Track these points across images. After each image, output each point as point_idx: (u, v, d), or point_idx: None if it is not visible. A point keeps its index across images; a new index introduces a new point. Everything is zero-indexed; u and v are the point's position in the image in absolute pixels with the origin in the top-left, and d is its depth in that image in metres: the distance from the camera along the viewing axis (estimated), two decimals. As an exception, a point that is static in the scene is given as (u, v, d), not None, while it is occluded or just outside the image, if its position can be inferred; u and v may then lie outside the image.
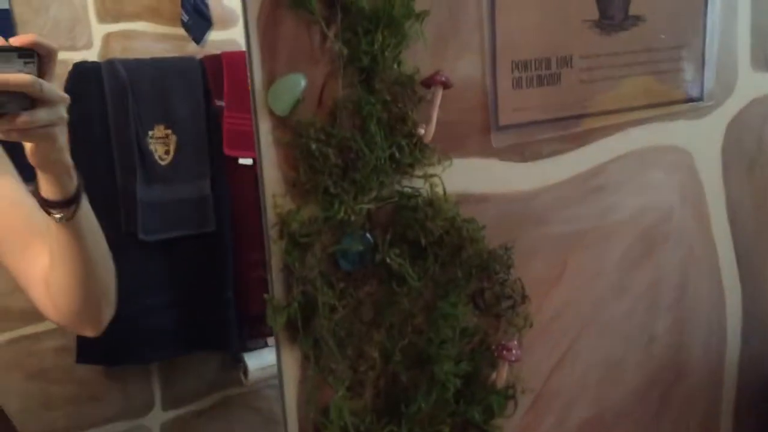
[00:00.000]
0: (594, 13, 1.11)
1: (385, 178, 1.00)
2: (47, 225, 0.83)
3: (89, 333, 0.93)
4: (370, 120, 0.98)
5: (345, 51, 0.96)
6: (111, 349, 1.88)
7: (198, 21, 1.97)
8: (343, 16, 0.96)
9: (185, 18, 1.95)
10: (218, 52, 1.98)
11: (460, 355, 1.05)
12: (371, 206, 0.99)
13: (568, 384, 1.24)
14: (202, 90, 1.95)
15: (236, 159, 1.98)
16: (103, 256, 0.89)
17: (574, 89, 1.11)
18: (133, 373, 2.02)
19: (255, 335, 2.09)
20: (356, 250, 0.99)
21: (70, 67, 1.84)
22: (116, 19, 1.93)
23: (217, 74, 1.96)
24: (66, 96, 0.72)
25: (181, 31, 1.97)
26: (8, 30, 1.77)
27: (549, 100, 1.09)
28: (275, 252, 0.98)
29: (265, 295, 0.99)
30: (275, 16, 0.94)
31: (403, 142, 1.00)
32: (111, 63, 1.87)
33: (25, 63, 0.66)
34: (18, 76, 0.65)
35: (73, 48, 1.89)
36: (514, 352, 1.04)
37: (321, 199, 0.97)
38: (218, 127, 1.96)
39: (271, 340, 2.16)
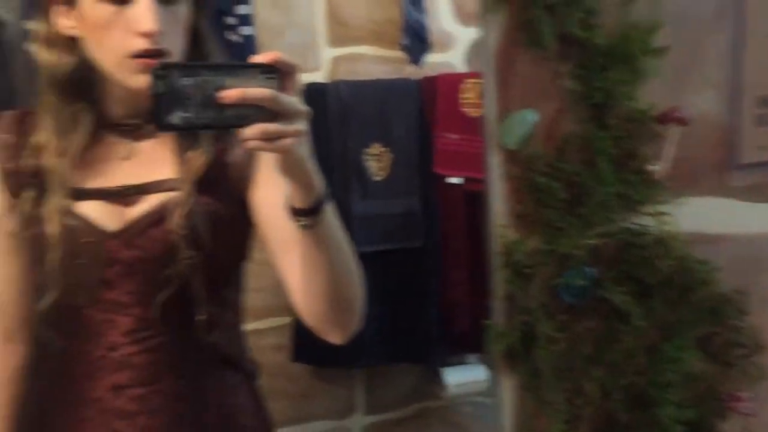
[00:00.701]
0: None
1: (612, 214, 0.99)
2: None
3: (335, 339, 0.95)
4: (600, 155, 0.98)
5: (577, 87, 0.97)
6: (323, 352, 2.01)
7: (416, 44, 2.05)
8: (577, 53, 0.97)
9: (405, 41, 2.04)
10: (434, 74, 2.06)
11: (685, 401, 1.01)
12: (596, 241, 0.98)
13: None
14: (418, 110, 2.04)
15: (445, 177, 2.05)
16: (348, 267, 0.90)
17: (828, 127, 1.03)
18: (340, 377, 2.15)
19: (456, 351, 2.14)
20: (579, 284, 0.99)
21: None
22: (343, 43, 2.07)
23: (432, 95, 2.04)
24: (304, 109, 0.72)
25: (400, 54, 2.07)
26: (252, 53, 1.96)
27: (798, 138, 1.02)
28: (499, 280, 1.01)
29: (487, 321, 1.02)
30: (511, 54, 0.97)
31: (633, 179, 0.99)
32: (337, 84, 2.01)
33: (267, 78, 0.70)
34: (256, 90, 0.68)
35: (303, 70, 2.05)
36: (746, 404, 0.98)
37: (546, 232, 0.99)
38: (430, 146, 2.04)
39: (471, 358, 2.19)
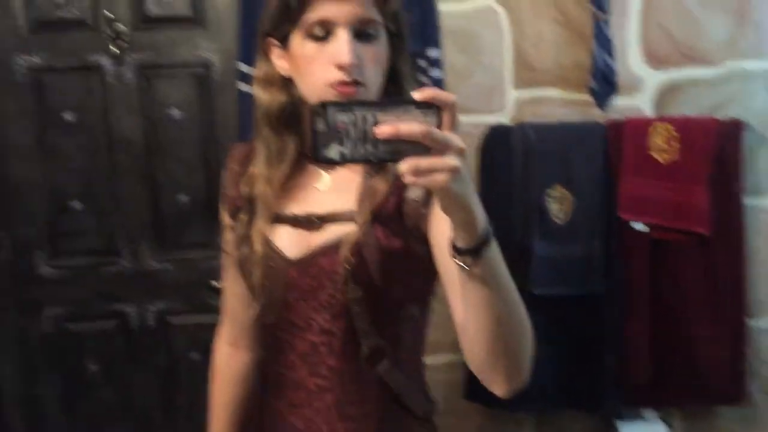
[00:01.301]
0: None
1: None
2: None
3: (498, 390, 0.89)
4: None
5: None
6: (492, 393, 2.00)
7: (604, 87, 2.03)
8: None
9: (592, 84, 2.03)
10: (620, 117, 2.03)
11: None
12: None
13: None
14: (603, 153, 2.01)
15: (630, 223, 2.00)
16: (512, 314, 0.85)
17: None
18: (510, 420, 2.12)
19: (633, 404, 2.06)
20: None
21: (484, 128, 2.04)
22: (529, 85, 2.08)
23: (619, 139, 2.01)
24: (460, 145, 0.70)
25: (585, 97, 2.05)
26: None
27: None
28: None
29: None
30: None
31: None
32: (522, 126, 2.02)
33: (424, 114, 0.70)
34: (409, 125, 0.68)
35: (488, 111, 2.08)
36: None
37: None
38: (614, 190, 2.00)
39: (649, 413, 2.10)
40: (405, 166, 0.69)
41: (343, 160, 0.71)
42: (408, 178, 0.69)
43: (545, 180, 2.00)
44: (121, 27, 2.07)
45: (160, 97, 2.14)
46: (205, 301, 2.16)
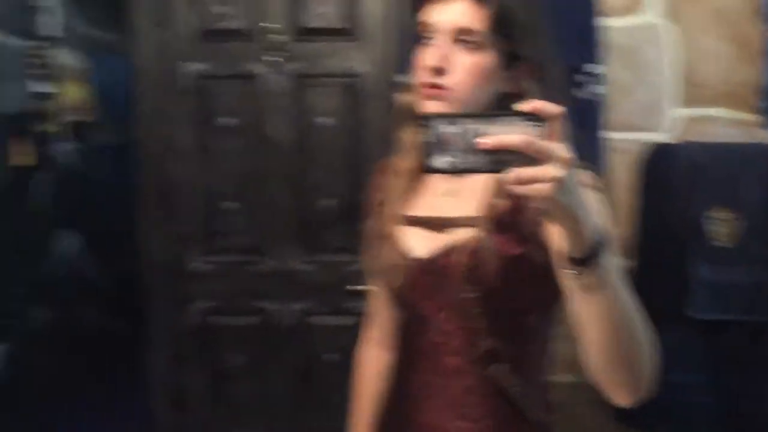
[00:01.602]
0: None
1: None
2: None
3: (619, 399, 0.89)
4: None
5: None
6: (646, 417, 1.92)
7: (775, 108, 1.94)
8: None
9: (762, 105, 1.94)
10: (791, 139, 1.93)
11: None
12: None
13: None
14: (776, 177, 1.92)
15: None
16: (628, 323, 0.84)
17: None
18: (663, 446, 2.03)
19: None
20: None
21: (643, 145, 1.98)
22: (694, 103, 2.02)
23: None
24: (564, 156, 0.71)
25: (753, 117, 1.97)
26: (598, 110, 1.98)
27: None
28: None
29: None
30: None
31: None
32: (688, 145, 1.96)
33: (531, 126, 0.71)
34: (512, 136, 0.70)
35: (649, 128, 2.03)
36: None
37: None
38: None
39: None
40: (510, 176, 0.71)
41: (451, 170, 0.74)
42: (512, 188, 0.72)
43: (710, 201, 1.92)
44: (279, 38, 2.14)
45: (312, 105, 2.20)
46: (344, 304, 2.20)
